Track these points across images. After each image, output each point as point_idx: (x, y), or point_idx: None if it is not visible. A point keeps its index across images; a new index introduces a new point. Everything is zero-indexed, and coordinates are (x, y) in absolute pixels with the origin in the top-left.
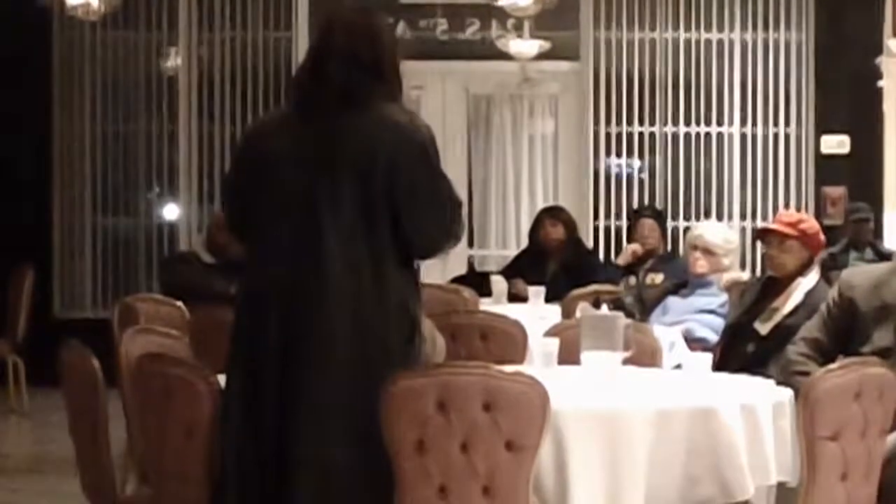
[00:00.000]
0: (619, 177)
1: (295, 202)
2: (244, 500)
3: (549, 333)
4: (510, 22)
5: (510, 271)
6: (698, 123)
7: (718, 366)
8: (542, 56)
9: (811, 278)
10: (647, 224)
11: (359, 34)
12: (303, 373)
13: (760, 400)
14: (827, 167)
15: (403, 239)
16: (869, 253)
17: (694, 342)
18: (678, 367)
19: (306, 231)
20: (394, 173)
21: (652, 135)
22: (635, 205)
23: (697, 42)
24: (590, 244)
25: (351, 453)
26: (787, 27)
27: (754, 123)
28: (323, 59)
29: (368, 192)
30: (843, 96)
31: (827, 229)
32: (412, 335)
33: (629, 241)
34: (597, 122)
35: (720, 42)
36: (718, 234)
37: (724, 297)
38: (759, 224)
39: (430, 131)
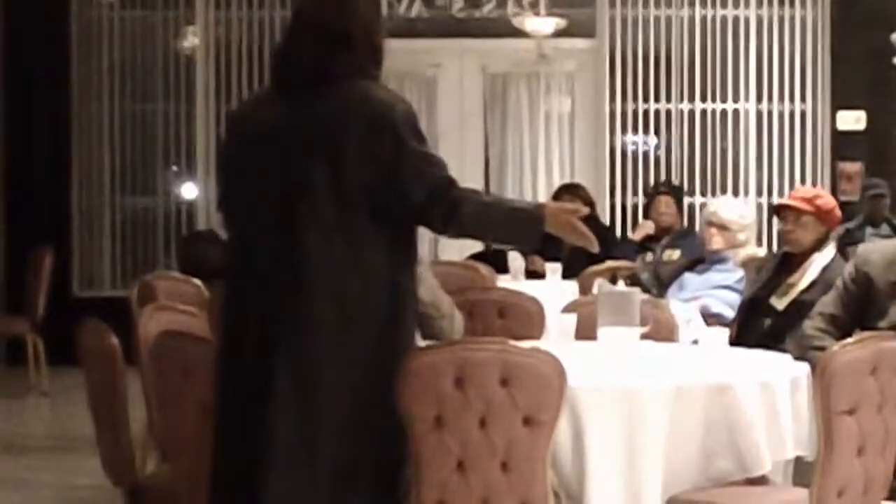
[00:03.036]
0: (635, 154)
1: (270, 185)
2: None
3: (567, 310)
4: (526, 0)
5: None
6: (714, 100)
7: (735, 341)
8: (558, 34)
9: (827, 254)
10: (664, 201)
11: (328, 3)
12: (285, 359)
13: (777, 375)
14: (843, 143)
15: (399, 215)
16: (885, 228)
17: (710, 318)
18: (695, 342)
19: (282, 215)
20: (363, 153)
21: (668, 112)
22: (652, 182)
23: (713, 19)
24: (606, 221)
25: (343, 434)
26: (803, 3)
27: (770, 100)
28: (294, 31)
29: (340, 172)
30: (860, 72)
31: (843, 205)
32: (400, 314)
33: (645, 218)
34: (613, 100)
35: (735, 18)
36: (733, 210)
37: (741, 272)
38: (776, 200)
39: (406, 107)
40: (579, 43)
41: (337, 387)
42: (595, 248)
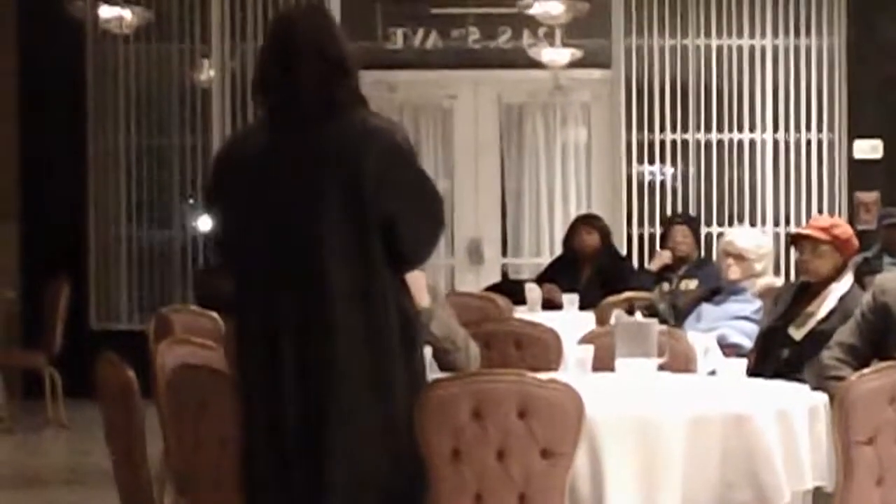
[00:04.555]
0: (651, 184)
1: (284, 217)
2: None
3: (584, 340)
4: (542, 30)
5: (544, 278)
6: (730, 130)
7: (753, 371)
8: (573, 64)
9: (845, 283)
10: (680, 230)
11: (323, 33)
12: (321, 396)
13: (795, 405)
14: (860, 172)
15: (394, 246)
16: None
17: (728, 348)
18: (713, 373)
19: (301, 245)
20: (382, 178)
21: (684, 142)
22: (668, 212)
23: (729, 49)
24: (623, 251)
25: (378, 466)
26: (819, 32)
27: (786, 129)
28: (292, 59)
29: (358, 200)
30: (876, 101)
31: (860, 234)
32: (413, 337)
33: (662, 248)
34: (629, 130)
35: (751, 48)
36: (750, 239)
37: (758, 303)
38: (793, 229)
39: (405, 133)
40: (595, 73)
41: (372, 409)
42: None
